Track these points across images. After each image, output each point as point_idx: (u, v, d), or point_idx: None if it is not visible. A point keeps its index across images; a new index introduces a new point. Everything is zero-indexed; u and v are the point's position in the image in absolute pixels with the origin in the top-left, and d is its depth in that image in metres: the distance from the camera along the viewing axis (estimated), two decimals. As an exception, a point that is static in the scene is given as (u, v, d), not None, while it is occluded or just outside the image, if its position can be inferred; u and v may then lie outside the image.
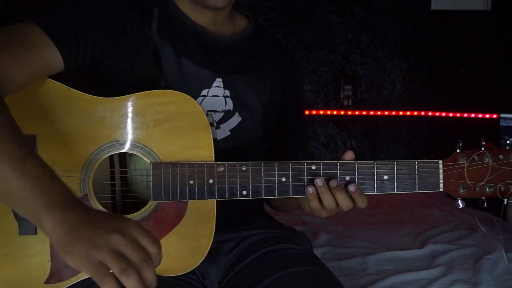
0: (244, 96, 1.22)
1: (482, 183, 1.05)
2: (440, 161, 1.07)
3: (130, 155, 1.10)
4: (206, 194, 1.04)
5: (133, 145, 1.04)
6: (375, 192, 1.06)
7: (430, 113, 3.58)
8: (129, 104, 1.04)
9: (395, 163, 1.06)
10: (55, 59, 1.03)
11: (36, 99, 1.03)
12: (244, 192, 1.04)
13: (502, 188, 1.05)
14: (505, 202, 1.05)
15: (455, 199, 1.07)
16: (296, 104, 1.37)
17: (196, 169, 1.03)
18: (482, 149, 1.06)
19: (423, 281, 1.65)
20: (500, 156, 1.05)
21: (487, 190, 1.06)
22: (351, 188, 1.04)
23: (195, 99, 1.08)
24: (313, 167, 1.06)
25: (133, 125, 1.04)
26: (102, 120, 1.04)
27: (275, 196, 1.05)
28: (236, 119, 1.20)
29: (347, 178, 1.06)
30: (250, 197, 1.04)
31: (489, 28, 3.47)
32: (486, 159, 1.05)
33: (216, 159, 1.05)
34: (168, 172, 1.03)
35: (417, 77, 3.62)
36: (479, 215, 1.43)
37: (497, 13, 3.43)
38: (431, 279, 1.66)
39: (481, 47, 3.52)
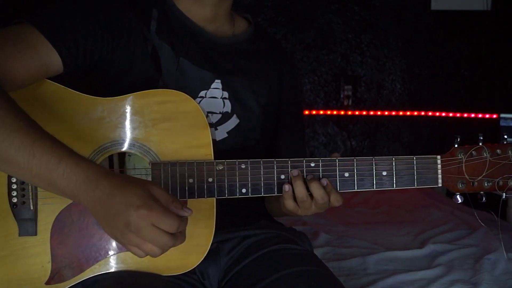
0: (242, 98, 1.22)
1: (480, 177, 1.06)
2: (438, 157, 1.07)
3: (129, 154, 1.10)
4: (205, 193, 1.04)
5: (132, 145, 1.04)
6: (374, 188, 1.07)
7: (430, 113, 3.58)
8: (128, 104, 1.04)
9: (393, 159, 1.06)
10: (54, 61, 1.03)
11: (34, 100, 1.03)
12: (244, 190, 1.04)
13: (501, 183, 1.06)
14: (504, 197, 1.06)
15: (454, 194, 1.07)
16: (294, 106, 1.37)
17: (195, 168, 1.03)
18: (480, 144, 1.06)
19: (423, 281, 1.65)
20: (498, 151, 1.06)
21: (486, 184, 1.06)
22: (323, 181, 1.04)
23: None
24: (312, 164, 1.06)
25: (132, 124, 1.04)
26: (101, 120, 1.04)
27: (274, 193, 1.05)
28: (234, 121, 1.20)
29: (346, 174, 1.06)
30: (250, 195, 1.05)
31: (489, 28, 3.47)
32: (484, 153, 1.06)
33: (215, 160, 1.05)
34: (168, 171, 1.03)
35: (417, 77, 3.63)
36: (479, 214, 1.43)
37: (497, 13, 3.43)
38: (431, 279, 1.65)
39: (481, 47, 3.52)
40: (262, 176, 1.05)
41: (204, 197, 1.04)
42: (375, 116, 3.62)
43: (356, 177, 1.06)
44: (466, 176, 1.06)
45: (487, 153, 1.05)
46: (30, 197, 1.02)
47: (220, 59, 1.21)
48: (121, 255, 1.04)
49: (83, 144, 1.03)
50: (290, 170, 1.04)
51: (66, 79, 1.07)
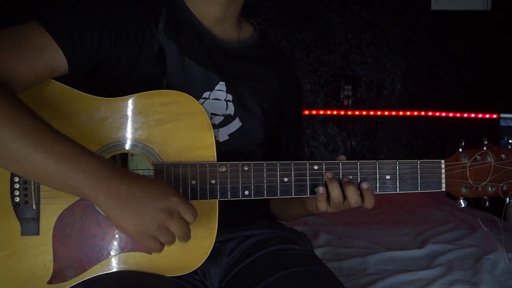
0: (246, 102, 1.22)
1: (484, 182, 1.06)
2: (442, 161, 1.07)
3: (132, 155, 1.10)
4: (208, 195, 1.04)
5: (135, 146, 1.04)
6: (378, 192, 1.07)
7: (430, 113, 3.58)
8: (131, 104, 1.04)
9: (397, 162, 1.06)
10: (59, 62, 1.02)
11: (37, 100, 1.03)
12: (246, 192, 1.04)
13: (505, 188, 1.05)
14: (507, 202, 1.05)
15: (457, 199, 1.07)
16: (295, 114, 1.38)
17: (198, 170, 1.03)
18: (484, 148, 1.06)
19: (423, 281, 1.64)
20: (503, 156, 1.05)
21: (489, 189, 1.06)
22: (364, 185, 1.05)
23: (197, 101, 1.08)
24: (315, 167, 1.06)
25: (135, 125, 1.04)
26: (104, 121, 1.04)
27: (277, 196, 1.05)
28: (236, 124, 1.20)
29: (350, 177, 1.06)
30: (252, 197, 1.05)
31: (489, 28, 3.47)
32: (489, 158, 1.05)
33: (218, 161, 1.05)
34: (170, 172, 1.03)
35: (417, 77, 3.63)
36: (480, 215, 1.43)
37: (497, 13, 3.43)
38: (431, 279, 1.65)
39: (481, 47, 3.52)
40: (265, 178, 1.05)
41: (206, 199, 1.04)
42: (375, 116, 3.62)
43: (360, 181, 1.06)
44: (470, 180, 1.06)
45: (491, 158, 1.05)
46: (33, 197, 1.02)
47: (225, 61, 1.21)
48: (123, 256, 1.04)
49: (86, 144, 1.01)
50: (325, 172, 1.05)
51: (70, 79, 1.06)
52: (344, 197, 1.06)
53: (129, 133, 1.04)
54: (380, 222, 2.50)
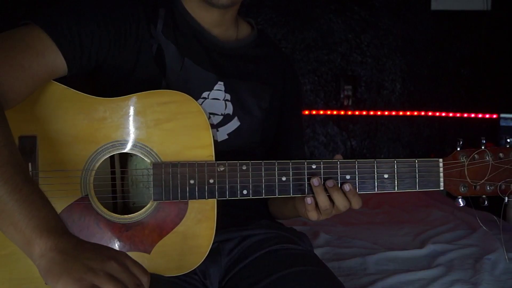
0: (244, 101, 1.22)
1: (482, 181, 1.05)
2: (441, 160, 1.07)
3: (131, 155, 1.10)
4: (206, 194, 1.04)
5: (133, 145, 1.04)
6: (376, 191, 1.07)
7: (430, 113, 3.58)
8: (130, 104, 1.04)
9: (395, 161, 1.06)
10: (59, 65, 1.02)
11: (36, 100, 1.03)
12: (245, 192, 1.04)
13: (503, 187, 1.05)
14: (506, 201, 1.05)
15: (456, 198, 1.07)
16: (295, 112, 1.38)
17: (196, 169, 1.03)
18: (483, 147, 1.05)
19: (423, 281, 1.64)
20: (501, 155, 1.05)
21: (488, 188, 1.06)
22: (346, 187, 1.04)
23: (196, 100, 1.08)
24: (313, 166, 1.06)
25: (134, 125, 1.04)
26: (103, 120, 1.04)
27: (275, 195, 1.05)
28: (235, 124, 1.20)
29: (348, 177, 1.06)
30: (251, 197, 1.05)
31: (489, 28, 3.46)
32: (487, 157, 1.05)
33: (216, 161, 1.05)
34: (169, 172, 1.03)
35: (417, 77, 3.62)
36: (480, 215, 1.43)
37: (497, 13, 3.43)
38: (431, 279, 1.65)
39: (481, 47, 3.52)
40: (263, 178, 1.05)
41: (205, 198, 1.04)
42: (375, 116, 3.62)
43: (358, 179, 1.06)
44: (468, 179, 1.06)
45: (489, 157, 1.05)
46: (32, 197, 1.01)
47: (224, 62, 1.21)
48: (122, 256, 1.04)
49: (84, 144, 1.03)
50: (311, 179, 1.04)
51: (70, 80, 1.07)
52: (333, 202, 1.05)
53: (127, 133, 1.04)
54: (380, 222, 2.50)
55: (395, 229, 2.31)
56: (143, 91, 1.06)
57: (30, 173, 0.98)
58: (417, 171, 1.06)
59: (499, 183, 1.05)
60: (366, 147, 3.63)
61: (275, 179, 1.05)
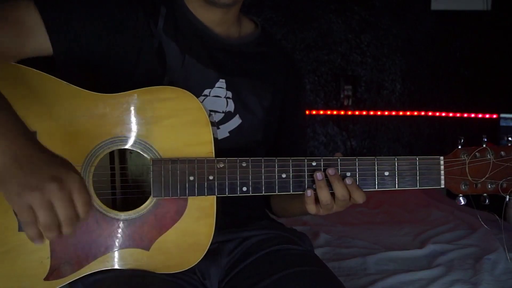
0: (246, 99, 1.22)
1: (483, 179, 1.05)
2: (441, 157, 1.06)
3: (131, 151, 1.09)
4: (206, 191, 1.03)
5: (133, 141, 1.04)
6: (376, 188, 1.06)
7: (430, 113, 3.58)
8: (130, 100, 1.04)
9: (396, 159, 1.06)
10: (44, 44, 1.06)
11: (36, 96, 1.03)
12: (244, 189, 1.04)
13: (504, 185, 1.05)
14: (507, 199, 1.05)
15: (457, 196, 1.06)
16: (297, 112, 1.37)
17: (196, 165, 1.03)
18: (484, 145, 1.05)
19: (423, 281, 1.64)
20: (502, 153, 1.04)
21: (489, 186, 1.05)
22: (348, 181, 1.04)
23: (197, 97, 1.08)
24: (314, 163, 1.05)
25: (134, 121, 1.04)
26: (103, 117, 1.04)
27: (275, 192, 1.05)
28: (236, 121, 1.20)
29: (348, 174, 1.06)
30: (251, 193, 1.04)
31: (489, 28, 3.46)
32: (488, 155, 1.04)
33: (216, 157, 1.04)
34: (168, 168, 1.03)
35: (417, 77, 3.62)
36: (480, 215, 1.43)
37: (497, 13, 3.43)
38: (431, 279, 1.65)
39: (481, 47, 3.52)
40: (263, 174, 1.04)
41: (204, 195, 1.03)
42: (375, 116, 3.62)
43: (358, 177, 1.06)
44: (469, 177, 1.05)
45: (491, 155, 1.04)
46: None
47: (225, 59, 1.21)
48: (120, 252, 1.04)
49: (85, 140, 1.03)
50: (315, 173, 1.04)
51: (71, 76, 1.06)
52: (333, 195, 1.04)
53: (127, 129, 1.04)
54: (380, 222, 2.50)
55: (395, 229, 2.32)
56: (146, 87, 1.06)
57: None
58: (417, 169, 1.06)
59: (501, 182, 1.04)
60: (366, 147, 3.63)
61: (275, 176, 1.04)
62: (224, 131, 1.19)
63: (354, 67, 3.61)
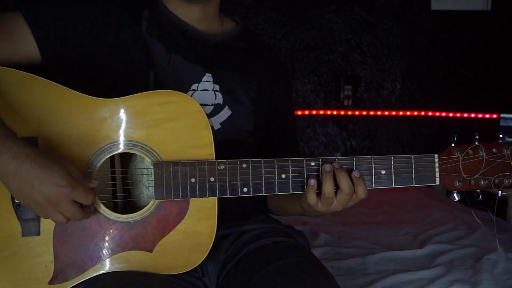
0: (233, 91, 1.25)
1: (476, 176, 1.08)
2: (436, 155, 1.09)
3: (131, 155, 1.10)
4: (207, 192, 1.04)
5: (134, 145, 1.05)
6: (373, 187, 1.08)
7: (430, 113, 3.58)
8: (130, 104, 1.05)
9: (392, 158, 1.08)
10: (32, 50, 1.12)
11: (37, 101, 1.04)
12: (245, 190, 1.05)
13: (496, 181, 1.07)
14: (499, 194, 1.08)
15: (451, 193, 1.09)
16: (288, 103, 1.41)
17: (197, 168, 1.04)
18: (476, 143, 1.07)
19: (423, 281, 1.65)
20: (494, 150, 1.08)
21: (482, 182, 1.08)
22: (356, 173, 1.06)
23: (186, 93, 1.09)
24: (312, 163, 1.07)
25: (134, 125, 1.05)
26: (103, 121, 1.04)
27: (275, 192, 1.06)
28: (226, 112, 1.23)
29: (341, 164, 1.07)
30: (251, 194, 1.05)
31: (489, 28, 3.47)
32: (480, 152, 1.08)
33: (216, 159, 1.05)
34: (170, 171, 1.03)
35: (417, 77, 3.62)
36: (477, 214, 1.44)
37: (497, 13, 3.43)
38: (431, 279, 1.66)
39: (481, 47, 3.52)
40: (263, 175, 1.05)
41: (206, 197, 1.04)
42: (375, 116, 3.63)
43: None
44: (463, 174, 1.08)
45: (483, 152, 1.07)
46: (33, 197, 1.02)
47: (210, 54, 1.24)
48: (123, 255, 1.04)
49: (86, 145, 1.04)
50: (323, 165, 1.06)
51: (68, 80, 1.07)
52: (336, 192, 1.06)
53: (128, 133, 1.05)
54: (380, 222, 2.51)
55: (395, 229, 2.32)
56: (133, 85, 1.09)
57: None
58: (413, 167, 1.08)
59: (493, 178, 1.08)
60: (366, 147, 3.63)
61: (275, 176, 1.06)
62: (215, 123, 1.21)
63: (354, 67, 3.61)
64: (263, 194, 1.06)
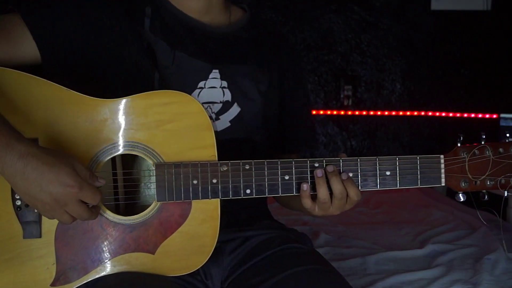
0: (242, 86, 1.21)
1: (483, 176, 1.06)
2: (442, 156, 1.08)
3: (133, 156, 1.10)
4: (210, 194, 1.04)
5: (135, 146, 1.04)
6: (378, 188, 1.07)
7: (430, 113, 3.58)
8: (131, 105, 1.04)
9: (397, 158, 1.07)
10: (32, 52, 1.10)
11: (37, 102, 1.03)
12: (248, 191, 1.05)
13: (503, 181, 1.06)
14: (506, 195, 1.06)
15: (456, 193, 1.08)
16: (298, 90, 1.35)
17: (199, 169, 1.03)
18: (482, 142, 1.06)
19: (423, 281, 1.65)
20: (500, 150, 1.06)
21: (488, 183, 1.07)
22: (343, 176, 1.05)
23: (192, 91, 1.08)
24: (316, 165, 1.06)
25: (136, 126, 1.04)
26: (104, 122, 1.04)
27: (278, 194, 1.06)
28: (235, 110, 1.20)
29: (350, 174, 1.07)
30: (254, 196, 1.05)
31: (489, 28, 3.47)
32: (487, 152, 1.06)
33: (219, 160, 1.05)
34: (172, 172, 1.03)
35: (417, 77, 3.63)
36: (480, 214, 1.44)
37: (497, 13, 3.43)
38: (431, 279, 1.66)
39: (481, 47, 3.52)
40: (266, 177, 1.05)
41: (208, 198, 1.04)
42: (375, 116, 3.63)
43: (360, 177, 1.07)
44: (469, 175, 1.07)
45: (489, 152, 1.06)
46: (34, 199, 1.02)
47: (217, 48, 1.20)
48: (125, 257, 1.04)
49: (87, 146, 1.03)
50: (315, 170, 1.05)
51: (69, 81, 1.07)
52: (331, 195, 1.05)
53: (129, 134, 1.04)
54: (380, 222, 2.51)
55: (395, 229, 2.32)
56: (137, 85, 1.06)
57: None
58: (418, 168, 1.07)
59: (499, 178, 1.06)
60: (366, 147, 3.64)
61: (278, 178, 1.05)
62: (224, 122, 1.18)
63: (354, 67, 3.61)
64: (266, 195, 1.06)
